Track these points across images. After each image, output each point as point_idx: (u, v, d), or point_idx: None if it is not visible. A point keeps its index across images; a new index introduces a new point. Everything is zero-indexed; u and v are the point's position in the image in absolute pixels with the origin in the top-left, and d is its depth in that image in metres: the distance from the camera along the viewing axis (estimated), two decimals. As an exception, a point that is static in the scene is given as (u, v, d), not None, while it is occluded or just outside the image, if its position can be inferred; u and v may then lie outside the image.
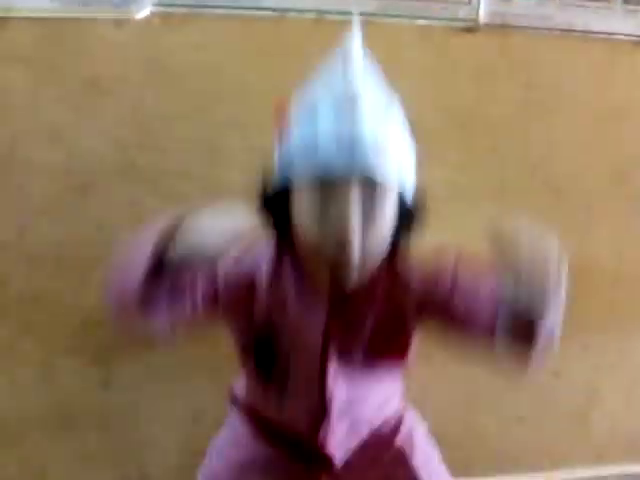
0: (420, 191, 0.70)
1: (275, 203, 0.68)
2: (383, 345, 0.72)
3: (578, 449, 1.16)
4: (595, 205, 1.08)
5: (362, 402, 0.74)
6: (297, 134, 0.65)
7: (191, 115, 0.95)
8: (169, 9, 0.94)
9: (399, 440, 0.77)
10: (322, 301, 0.70)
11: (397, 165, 0.64)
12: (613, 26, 1.05)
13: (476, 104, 1.01)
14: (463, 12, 1.00)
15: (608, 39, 1.06)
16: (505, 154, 1.02)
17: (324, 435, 0.73)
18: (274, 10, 0.95)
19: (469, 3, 1.00)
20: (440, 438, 0.82)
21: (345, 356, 0.71)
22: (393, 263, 0.70)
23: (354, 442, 0.76)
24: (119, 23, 0.93)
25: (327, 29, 0.97)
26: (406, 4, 0.98)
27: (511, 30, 1.01)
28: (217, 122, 0.95)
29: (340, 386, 0.72)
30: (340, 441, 0.74)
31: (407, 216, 0.68)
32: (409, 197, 0.68)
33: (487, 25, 1.00)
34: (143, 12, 0.94)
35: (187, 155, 0.95)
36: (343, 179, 0.62)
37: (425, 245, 1.01)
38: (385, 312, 0.71)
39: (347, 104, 0.63)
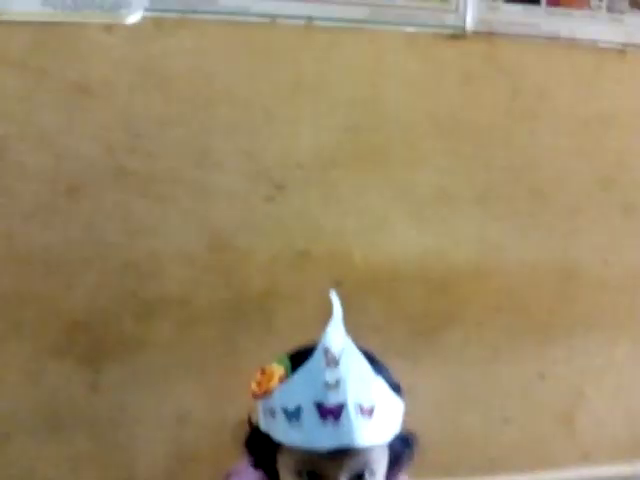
0: (408, 431, 0.73)
1: (262, 444, 0.72)
2: None
3: (564, 450, 1.23)
4: (580, 210, 1.15)
5: None
6: (280, 408, 0.68)
7: (181, 119, 1.00)
8: (160, 14, 0.99)
9: None
10: None
11: (385, 426, 0.68)
12: (598, 34, 1.12)
13: (462, 110, 1.07)
14: (450, 20, 1.06)
15: (593, 46, 1.12)
16: (490, 159, 1.09)
17: None
18: (264, 16, 1.01)
19: (456, 11, 1.06)
20: (426, 439, 0.88)
21: None
22: None
23: None
24: (110, 28, 0.98)
25: (317, 35, 1.03)
26: (394, 11, 1.04)
27: (497, 37, 1.08)
28: (207, 126, 1.01)
29: None
30: None
31: (397, 456, 0.72)
32: (397, 440, 0.71)
33: (474, 32, 1.07)
34: (134, 17, 0.99)
35: (177, 159, 1.01)
36: (330, 454, 0.65)
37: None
38: None
39: (330, 386, 0.66)
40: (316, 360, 0.67)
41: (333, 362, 0.66)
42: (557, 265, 1.15)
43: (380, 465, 0.70)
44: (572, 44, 1.11)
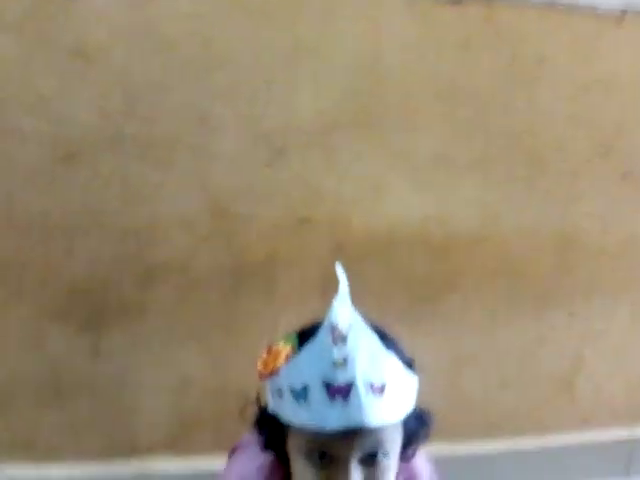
0: (422, 408, 0.72)
1: (271, 425, 0.70)
2: None
3: (563, 415, 1.25)
4: (579, 177, 1.15)
5: None
6: (287, 387, 0.66)
7: (180, 83, 1.00)
8: (157, -23, 0.98)
9: None
10: None
11: (397, 404, 0.66)
12: (597, -1, 1.12)
13: (461, 75, 1.07)
14: (449, -17, 1.05)
15: (592, 12, 1.12)
16: (489, 125, 1.09)
17: None
18: (262, -21, 1.00)
19: (455, -26, 1.05)
20: (426, 403, 0.88)
21: None
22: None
23: None
24: (107, -9, 0.98)
25: (316, -3, 1.02)
26: (393, -26, 1.03)
27: (496, 2, 1.07)
28: (206, 91, 1.00)
29: None
30: None
31: (412, 434, 0.71)
32: (412, 418, 0.69)
33: (473, -4, 1.06)
34: (131, -20, 0.98)
35: (175, 124, 1.01)
36: (340, 434, 0.63)
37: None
38: None
39: (338, 365, 0.64)
40: (322, 337, 0.64)
41: (340, 339, 0.64)
42: (555, 231, 1.16)
43: (394, 444, 0.68)
44: (571, 9, 1.11)
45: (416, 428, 0.71)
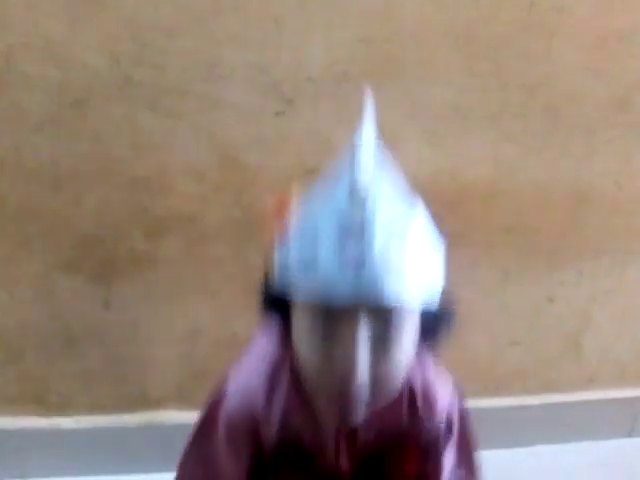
0: (447, 294, 0.64)
1: (278, 302, 0.64)
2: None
3: (570, 373, 1.25)
4: (595, 130, 1.13)
5: None
6: (296, 255, 0.58)
7: (189, 29, 0.97)
8: None
9: None
10: (330, 436, 0.67)
11: (417, 286, 0.57)
12: (620, -55, 1.08)
13: (477, 24, 1.04)
14: None
15: (614, -42, 1.08)
16: (505, 76, 1.06)
17: None
18: None
19: None
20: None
21: None
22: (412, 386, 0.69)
23: None
24: None
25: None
26: None
27: (515, -53, 1.03)
28: (216, 37, 0.98)
29: None
30: None
31: (432, 328, 0.63)
32: (434, 308, 0.61)
33: (491, -59, 1.03)
34: None
35: (184, 71, 0.99)
36: (349, 310, 0.55)
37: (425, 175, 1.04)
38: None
39: (353, 230, 0.55)
40: (339, 194, 0.56)
41: (358, 201, 0.55)
42: (569, 187, 1.14)
43: (407, 334, 0.58)
44: (592, -44, 1.08)
45: (434, 323, 0.63)
